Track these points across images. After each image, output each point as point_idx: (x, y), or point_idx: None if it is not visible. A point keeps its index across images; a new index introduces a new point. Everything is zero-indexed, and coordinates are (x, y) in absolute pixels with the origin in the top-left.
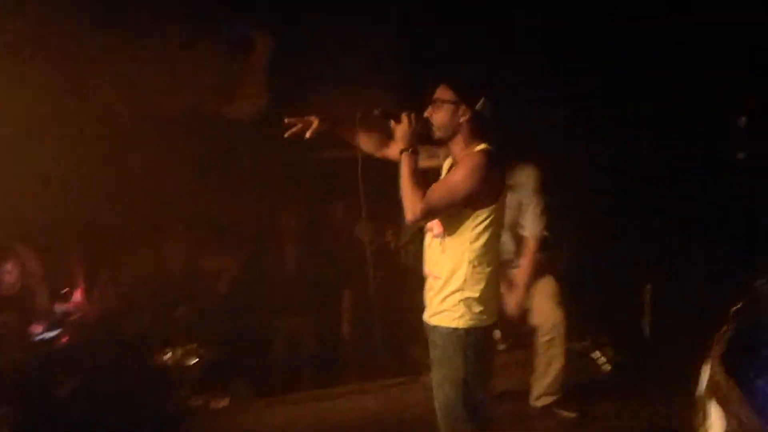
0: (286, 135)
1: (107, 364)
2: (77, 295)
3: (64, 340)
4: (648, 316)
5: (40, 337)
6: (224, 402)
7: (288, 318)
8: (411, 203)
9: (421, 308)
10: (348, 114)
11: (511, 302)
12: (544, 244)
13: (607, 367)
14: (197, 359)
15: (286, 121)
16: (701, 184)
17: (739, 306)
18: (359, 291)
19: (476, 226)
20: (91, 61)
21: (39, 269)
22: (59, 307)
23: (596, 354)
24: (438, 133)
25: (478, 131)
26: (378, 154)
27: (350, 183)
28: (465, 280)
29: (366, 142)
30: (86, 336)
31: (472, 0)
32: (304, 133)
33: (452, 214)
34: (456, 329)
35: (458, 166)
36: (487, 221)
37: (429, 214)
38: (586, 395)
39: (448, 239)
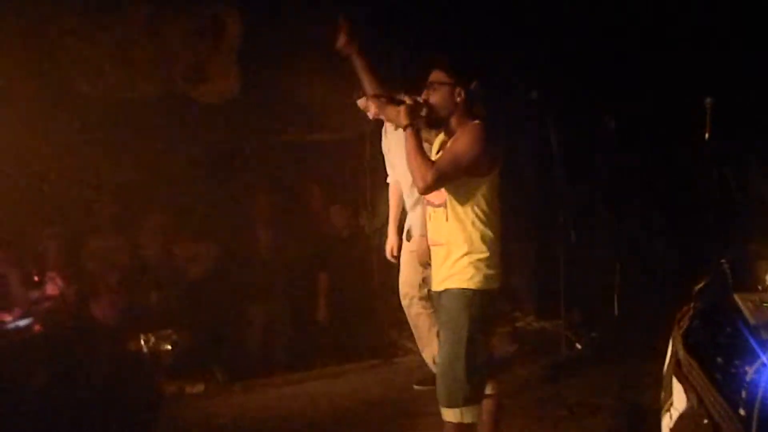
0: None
1: (81, 351)
2: (49, 283)
3: (37, 328)
4: (617, 294)
5: (12, 325)
6: (199, 387)
7: (263, 302)
8: (421, 173)
9: (394, 290)
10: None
11: None
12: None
13: (579, 346)
14: (172, 345)
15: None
16: (669, 166)
17: (701, 285)
18: (334, 274)
19: (477, 193)
20: (57, 43)
21: (9, 256)
22: (31, 295)
23: (568, 333)
24: (438, 114)
25: (472, 110)
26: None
27: (324, 167)
28: (472, 244)
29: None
30: (59, 323)
31: None
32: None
33: (456, 183)
34: (465, 290)
35: (460, 138)
36: (486, 188)
37: (439, 181)
38: (558, 372)
39: (450, 208)
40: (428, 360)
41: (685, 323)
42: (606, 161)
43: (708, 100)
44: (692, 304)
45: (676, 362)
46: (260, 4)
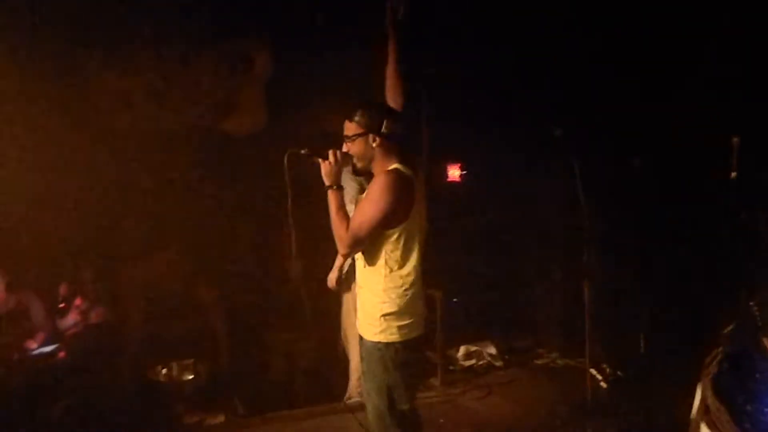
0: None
1: (103, 378)
2: (74, 311)
3: (61, 354)
4: (644, 333)
5: (37, 351)
6: (219, 418)
7: (284, 334)
8: (340, 237)
9: None
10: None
11: None
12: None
13: (604, 385)
14: (193, 375)
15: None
16: (698, 204)
17: (729, 328)
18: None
19: (389, 240)
20: (91, 78)
21: (35, 284)
22: (56, 323)
23: (593, 371)
24: (359, 164)
25: (394, 149)
26: None
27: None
28: (385, 295)
29: None
30: (82, 351)
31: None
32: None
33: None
34: (377, 343)
35: (369, 193)
36: (401, 235)
37: (356, 244)
38: (582, 412)
39: (367, 255)
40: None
41: (714, 368)
42: (632, 199)
43: (735, 139)
44: (721, 348)
45: (705, 408)
46: (289, 39)
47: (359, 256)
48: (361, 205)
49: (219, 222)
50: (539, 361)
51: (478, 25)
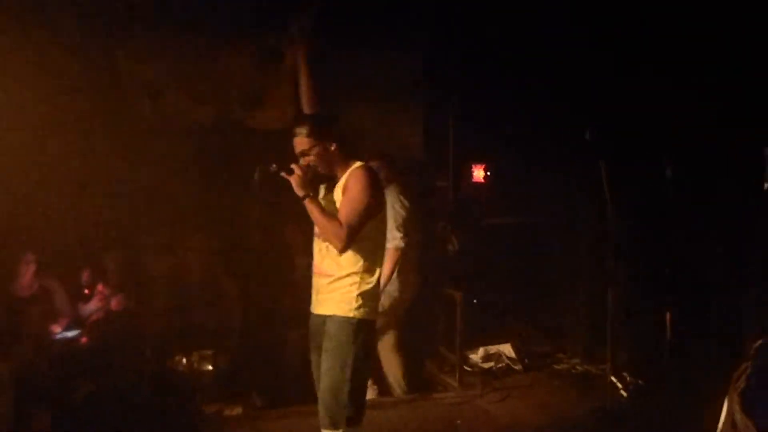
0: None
1: (123, 366)
2: (96, 297)
3: (84, 340)
4: (668, 342)
5: (60, 336)
6: (237, 410)
7: (306, 329)
8: (335, 234)
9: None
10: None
11: None
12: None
13: (624, 393)
14: (213, 366)
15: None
16: (727, 212)
17: (759, 342)
18: None
19: (371, 228)
20: (122, 69)
21: (59, 271)
22: (78, 309)
23: (614, 379)
24: (323, 171)
25: (350, 149)
26: None
27: None
28: (361, 277)
29: None
30: (103, 337)
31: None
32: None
33: None
34: (350, 318)
35: (352, 188)
36: (377, 222)
37: (352, 236)
38: (600, 420)
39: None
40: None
41: (742, 382)
42: (660, 205)
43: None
44: (750, 362)
45: (732, 423)
46: (319, 35)
47: (324, 246)
48: (346, 201)
49: (243, 214)
50: (559, 366)
51: (505, 26)
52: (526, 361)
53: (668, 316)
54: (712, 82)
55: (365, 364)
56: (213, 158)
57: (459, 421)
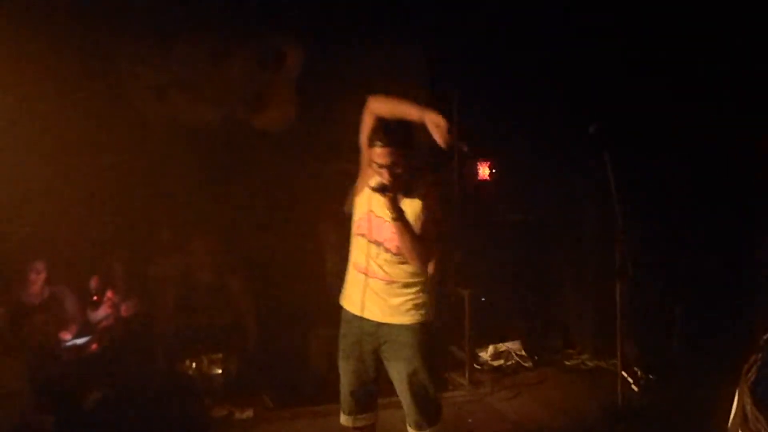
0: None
1: (134, 372)
2: (105, 303)
3: (93, 346)
4: (678, 336)
5: (70, 343)
6: (248, 413)
7: (315, 329)
8: (424, 256)
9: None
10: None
11: None
12: None
13: (635, 388)
14: (222, 369)
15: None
16: (735, 207)
17: None
18: None
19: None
20: (125, 72)
21: (67, 277)
22: (88, 315)
23: (624, 374)
24: (407, 179)
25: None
26: None
27: None
28: (427, 282)
29: None
30: (113, 344)
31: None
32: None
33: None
34: (424, 323)
35: (433, 209)
36: None
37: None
38: (612, 415)
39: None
40: None
41: (752, 375)
42: (667, 199)
43: None
44: (761, 354)
45: (743, 416)
46: (320, 36)
47: (382, 252)
48: (428, 219)
49: (251, 215)
50: (569, 362)
51: (509, 22)
52: (536, 357)
53: (678, 310)
54: (721, 74)
55: (435, 362)
56: (218, 159)
57: (470, 420)
